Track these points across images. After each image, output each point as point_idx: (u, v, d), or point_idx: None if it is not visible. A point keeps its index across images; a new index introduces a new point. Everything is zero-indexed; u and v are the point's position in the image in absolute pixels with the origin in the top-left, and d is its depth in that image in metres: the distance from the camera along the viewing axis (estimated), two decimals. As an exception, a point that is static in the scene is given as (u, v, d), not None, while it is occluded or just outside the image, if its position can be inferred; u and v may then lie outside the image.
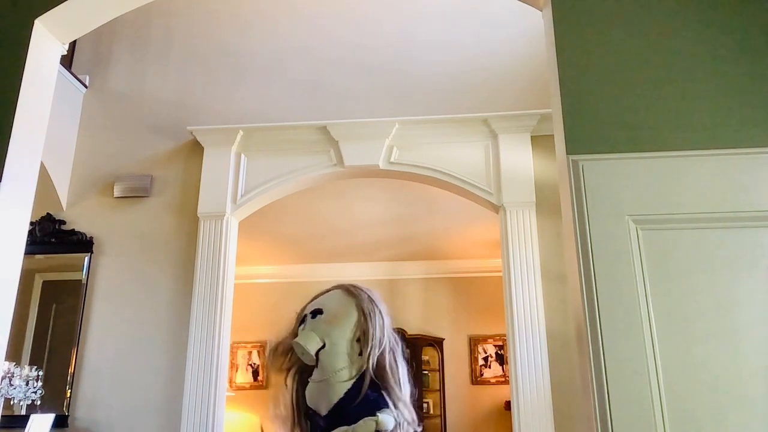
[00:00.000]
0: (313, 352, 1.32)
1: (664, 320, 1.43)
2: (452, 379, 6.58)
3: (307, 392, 1.35)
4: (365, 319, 1.35)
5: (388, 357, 1.37)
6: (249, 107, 4.04)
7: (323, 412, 1.31)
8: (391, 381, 1.36)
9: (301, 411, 1.37)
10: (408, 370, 1.42)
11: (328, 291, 1.44)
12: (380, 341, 1.36)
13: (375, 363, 1.34)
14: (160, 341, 3.59)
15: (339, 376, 1.32)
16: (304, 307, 1.44)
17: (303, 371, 1.40)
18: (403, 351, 1.41)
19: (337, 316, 1.35)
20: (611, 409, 1.37)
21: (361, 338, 1.35)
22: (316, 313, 1.37)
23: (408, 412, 1.34)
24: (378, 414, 1.29)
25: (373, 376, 1.33)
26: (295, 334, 1.39)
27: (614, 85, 1.65)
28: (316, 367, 1.34)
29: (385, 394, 1.34)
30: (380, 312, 1.38)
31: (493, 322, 6.44)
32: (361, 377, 1.32)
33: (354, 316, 1.35)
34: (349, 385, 1.31)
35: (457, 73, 3.98)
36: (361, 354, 1.34)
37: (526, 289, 3.44)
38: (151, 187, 3.90)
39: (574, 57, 1.70)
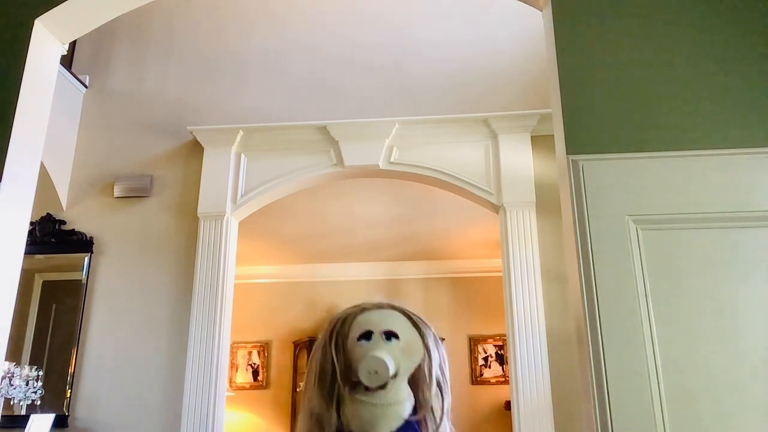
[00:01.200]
0: (390, 375, 1.19)
1: (664, 320, 1.43)
2: (452, 379, 6.53)
3: (350, 409, 1.21)
4: (431, 359, 1.28)
5: (447, 403, 1.32)
6: (249, 107, 4.04)
7: None
8: (439, 422, 1.30)
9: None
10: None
11: (381, 307, 1.31)
12: (449, 388, 1.31)
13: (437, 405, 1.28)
14: (160, 341, 3.59)
15: (402, 408, 1.22)
16: (349, 316, 1.29)
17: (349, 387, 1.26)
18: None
19: (411, 348, 1.26)
20: (611, 409, 1.37)
21: (417, 377, 1.27)
22: (391, 335, 1.24)
23: None
24: None
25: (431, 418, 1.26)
26: (339, 343, 1.27)
27: (614, 84, 1.65)
28: (371, 390, 1.21)
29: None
30: (445, 356, 1.33)
31: (493, 322, 6.44)
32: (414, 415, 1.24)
33: (421, 355, 1.27)
34: (403, 419, 1.22)
35: (457, 73, 3.98)
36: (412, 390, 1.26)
37: (526, 289, 3.44)
38: (151, 187, 3.90)
39: (574, 57, 1.70)
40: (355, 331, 1.25)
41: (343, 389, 1.22)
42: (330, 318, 1.33)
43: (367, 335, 1.24)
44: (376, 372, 1.19)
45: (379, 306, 1.31)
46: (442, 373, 1.31)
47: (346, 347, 1.25)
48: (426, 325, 1.31)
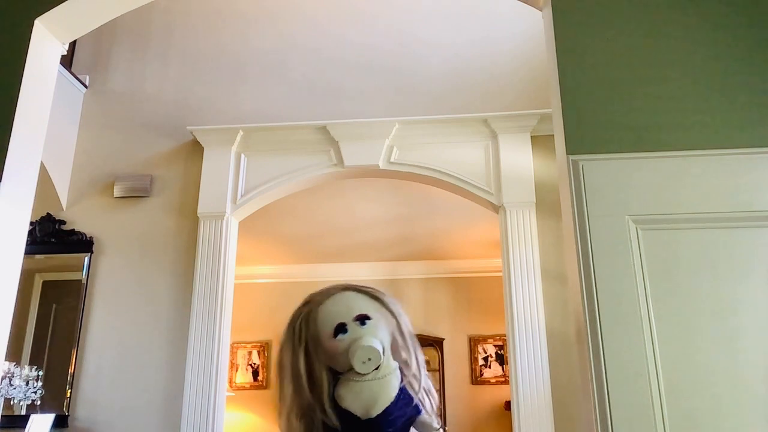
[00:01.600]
0: (382, 359, 1.23)
1: (664, 320, 1.43)
2: (452, 379, 6.57)
3: (348, 391, 1.24)
4: (400, 325, 1.32)
5: (423, 360, 1.36)
6: (249, 107, 4.04)
7: (369, 415, 1.22)
8: (425, 384, 1.33)
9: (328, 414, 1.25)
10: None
11: (332, 293, 1.33)
12: (417, 346, 1.34)
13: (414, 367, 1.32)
14: (160, 341, 3.59)
15: (395, 376, 1.27)
16: (309, 315, 1.30)
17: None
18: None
19: (383, 322, 1.29)
20: (611, 409, 1.37)
21: (393, 343, 1.31)
22: (364, 318, 1.27)
23: (434, 402, 1.32)
24: (436, 425, 1.27)
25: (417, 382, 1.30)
26: (310, 346, 1.28)
27: (614, 85, 1.65)
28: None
29: (413, 392, 1.30)
30: (404, 315, 1.36)
31: (493, 322, 6.43)
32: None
33: (393, 323, 1.31)
34: (397, 384, 1.26)
35: (457, 73, 3.98)
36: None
37: (526, 289, 3.44)
38: (151, 187, 3.90)
39: (573, 57, 1.70)
40: (326, 328, 1.26)
41: (331, 382, 1.25)
42: (288, 324, 1.31)
43: (341, 328, 1.25)
44: (369, 359, 1.22)
45: (330, 293, 1.32)
46: (409, 333, 1.34)
47: (322, 347, 1.26)
48: (381, 293, 1.33)
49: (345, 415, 1.23)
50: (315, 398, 1.24)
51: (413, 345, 1.34)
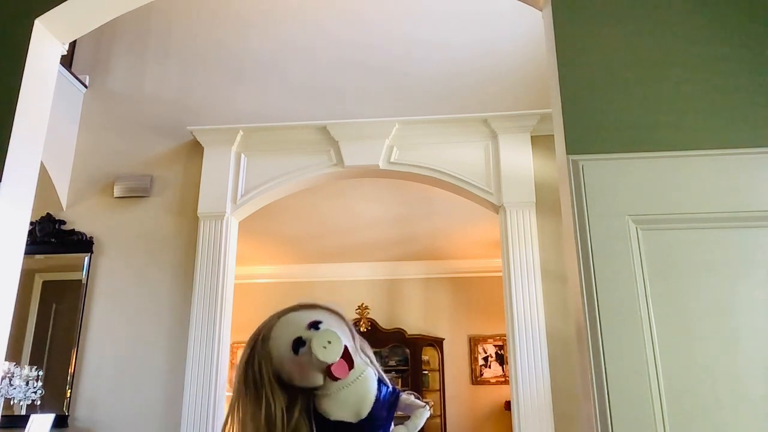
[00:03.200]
0: (343, 345, 1.20)
1: (664, 320, 1.43)
2: (452, 379, 6.58)
3: (332, 402, 1.23)
4: (348, 323, 1.34)
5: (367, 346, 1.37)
6: (249, 107, 4.05)
7: (360, 417, 1.23)
8: (372, 360, 1.35)
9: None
10: None
11: (272, 322, 1.30)
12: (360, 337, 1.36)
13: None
14: (160, 341, 3.59)
15: (370, 372, 1.27)
16: (263, 352, 1.26)
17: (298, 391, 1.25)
18: None
19: (334, 323, 1.29)
20: (611, 409, 1.37)
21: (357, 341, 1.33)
22: (316, 323, 1.25)
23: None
24: (426, 409, 1.29)
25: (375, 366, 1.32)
26: (272, 384, 1.23)
27: (614, 85, 1.65)
28: (327, 380, 1.23)
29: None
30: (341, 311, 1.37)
31: (493, 322, 6.44)
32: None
33: (346, 324, 1.32)
34: (376, 379, 1.27)
35: (457, 73, 3.98)
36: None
37: (526, 289, 3.44)
38: (151, 187, 3.90)
39: (573, 57, 1.69)
40: (284, 353, 1.23)
41: (310, 401, 1.22)
42: (239, 369, 1.28)
43: (299, 342, 1.23)
44: (330, 342, 1.20)
45: (270, 324, 1.30)
46: (351, 324, 1.34)
47: (289, 371, 1.23)
48: (315, 301, 1.33)
49: (337, 427, 1.22)
50: (287, 424, 1.20)
51: (355, 335, 1.34)
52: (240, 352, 1.41)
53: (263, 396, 1.22)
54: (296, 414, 1.22)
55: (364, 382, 1.25)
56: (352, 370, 1.23)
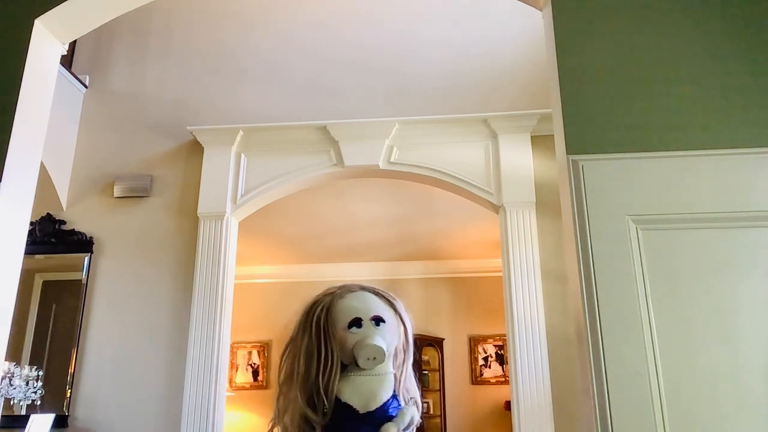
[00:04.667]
0: (383, 361, 1.32)
1: (664, 320, 1.43)
2: (452, 379, 6.58)
3: (348, 384, 1.31)
4: (407, 332, 1.40)
5: (412, 370, 1.44)
6: (249, 107, 4.04)
7: (368, 408, 1.30)
8: (410, 385, 1.42)
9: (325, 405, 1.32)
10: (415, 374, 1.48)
11: (353, 291, 1.39)
12: (412, 353, 1.42)
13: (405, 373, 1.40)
14: (160, 341, 3.59)
15: (392, 376, 1.35)
16: (327, 306, 1.37)
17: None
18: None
19: (394, 327, 1.37)
20: (611, 409, 1.37)
21: (402, 349, 1.40)
22: (379, 320, 1.35)
23: (418, 413, 1.38)
24: (412, 406, 1.34)
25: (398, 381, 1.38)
26: (328, 332, 1.34)
27: (614, 85, 1.65)
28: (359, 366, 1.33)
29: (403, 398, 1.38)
30: (411, 323, 1.43)
31: (493, 322, 6.44)
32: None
33: (401, 330, 1.39)
34: (392, 388, 1.34)
35: (457, 72, 3.98)
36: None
37: (526, 289, 3.44)
38: (151, 187, 3.90)
39: (574, 57, 1.70)
40: (343, 319, 1.34)
41: (336, 372, 1.31)
42: (306, 308, 1.39)
43: (357, 322, 1.33)
44: (374, 358, 1.30)
45: (350, 289, 1.40)
46: (411, 340, 1.42)
47: (335, 335, 1.34)
48: (395, 298, 1.42)
49: (343, 408, 1.29)
50: (323, 377, 1.30)
51: (410, 352, 1.40)
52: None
53: (319, 338, 1.33)
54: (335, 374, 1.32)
55: (382, 381, 1.32)
56: (377, 367, 1.32)
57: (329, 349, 1.32)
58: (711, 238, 1.48)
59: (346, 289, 1.40)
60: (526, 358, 3.33)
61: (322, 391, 1.29)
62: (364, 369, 1.32)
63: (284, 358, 1.38)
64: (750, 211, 1.49)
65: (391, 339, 1.35)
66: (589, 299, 1.46)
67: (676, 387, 1.38)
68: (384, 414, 1.29)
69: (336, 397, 1.31)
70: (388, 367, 1.34)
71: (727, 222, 1.49)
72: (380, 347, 1.30)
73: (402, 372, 1.38)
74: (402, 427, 1.30)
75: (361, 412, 1.29)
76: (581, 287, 1.48)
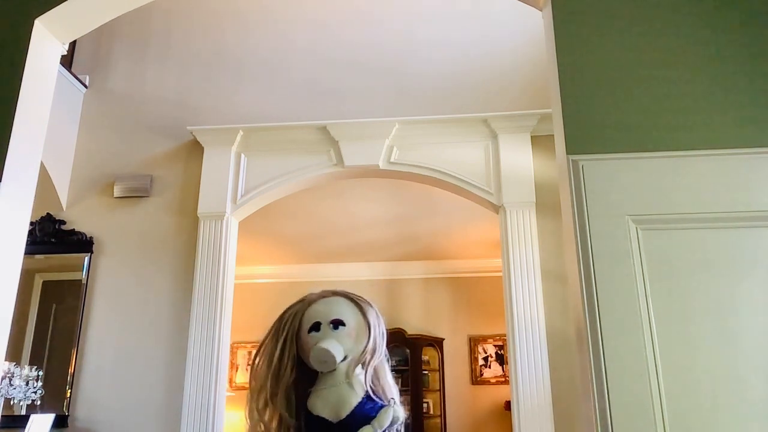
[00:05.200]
0: (338, 362, 1.34)
1: (664, 320, 1.43)
2: (452, 379, 6.57)
3: (317, 398, 1.36)
4: (375, 335, 1.41)
5: (386, 365, 1.45)
6: (249, 107, 4.04)
7: (339, 417, 1.32)
8: (385, 386, 1.43)
9: (294, 419, 1.36)
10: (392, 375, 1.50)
11: (325, 296, 1.44)
12: (381, 353, 1.44)
13: (373, 374, 1.42)
14: (160, 341, 3.59)
15: (360, 380, 1.37)
16: (298, 311, 1.43)
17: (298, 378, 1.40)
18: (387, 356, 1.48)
19: (358, 332, 1.39)
20: (611, 409, 1.37)
21: (367, 351, 1.41)
22: (338, 324, 1.37)
23: (402, 412, 1.40)
24: (393, 405, 1.34)
25: (371, 385, 1.39)
26: (288, 337, 1.40)
27: (614, 85, 1.65)
28: (326, 374, 1.37)
29: (381, 399, 1.39)
30: (383, 326, 1.45)
31: (493, 322, 6.44)
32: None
33: (367, 332, 1.40)
34: (362, 392, 1.36)
35: (457, 72, 3.98)
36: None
37: (526, 289, 3.44)
38: (151, 187, 3.90)
39: (574, 57, 1.70)
40: (307, 323, 1.40)
41: (289, 374, 1.36)
42: (281, 315, 1.45)
43: (316, 326, 1.38)
44: (325, 361, 1.34)
45: (323, 295, 1.44)
46: (378, 343, 1.43)
47: (300, 339, 1.40)
48: (367, 303, 1.45)
49: (317, 422, 1.34)
50: (274, 382, 1.36)
51: (379, 353, 1.42)
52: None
53: (279, 340, 1.40)
54: (292, 397, 1.37)
55: (349, 390, 1.35)
56: (336, 374, 1.35)
57: (285, 353, 1.37)
58: (711, 238, 1.48)
59: (319, 295, 1.45)
60: (526, 358, 3.33)
61: (278, 394, 1.35)
62: (330, 380, 1.35)
63: (255, 361, 1.44)
64: (750, 211, 1.49)
65: (350, 342, 1.37)
66: (589, 299, 1.46)
67: (676, 387, 1.38)
68: (358, 418, 1.31)
69: (308, 412, 1.35)
70: (352, 372, 1.36)
71: (727, 222, 1.49)
72: (328, 350, 1.32)
73: (366, 372, 1.38)
74: (383, 427, 1.30)
75: (334, 422, 1.31)
76: (581, 287, 1.48)
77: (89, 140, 4.08)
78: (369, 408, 1.34)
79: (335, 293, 1.45)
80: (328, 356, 1.33)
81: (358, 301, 1.44)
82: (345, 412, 1.32)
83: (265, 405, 1.37)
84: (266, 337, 1.44)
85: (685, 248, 1.48)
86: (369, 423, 1.31)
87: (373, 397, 1.38)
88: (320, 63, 4.12)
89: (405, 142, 3.78)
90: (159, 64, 4.27)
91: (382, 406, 1.35)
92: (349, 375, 1.36)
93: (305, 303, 1.45)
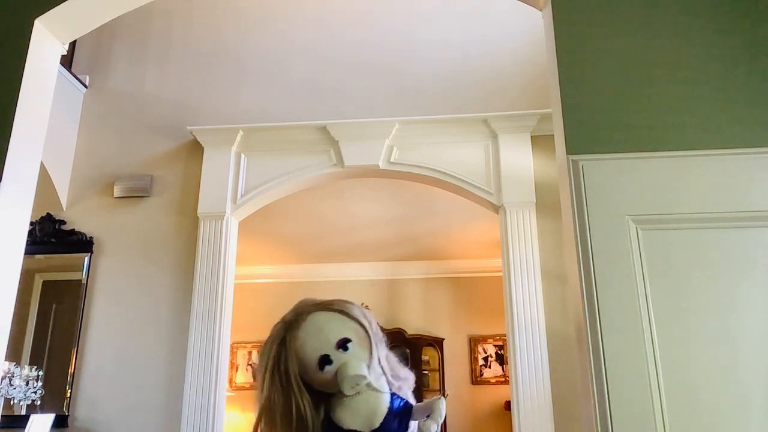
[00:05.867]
0: (369, 378, 1.26)
1: (664, 320, 1.43)
2: (452, 379, 6.57)
3: (345, 411, 1.26)
4: (368, 328, 1.34)
5: (388, 350, 1.39)
6: (249, 107, 4.04)
7: (372, 427, 1.25)
8: (397, 370, 1.37)
9: None
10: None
11: (300, 321, 1.30)
12: (383, 341, 1.38)
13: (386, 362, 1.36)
14: (160, 341, 3.59)
15: (383, 382, 1.31)
16: (287, 350, 1.28)
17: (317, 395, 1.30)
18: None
19: (360, 337, 1.31)
20: (611, 409, 1.37)
21: (374, 344, 1.35)
22: (345, 342, 1.28)
23: (408, 383, 1.37)
24: (442, 398, 1.31)
25: (391, 376, 1.33)
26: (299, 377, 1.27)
27: (614, 85, 1.65)
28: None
29: (398, 388, 1.34)
30: (370, 314, 1.39)
31: (493, 322, 6.44)
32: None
33: (363, 331, 1.33)
34: (389, 392, 1.30)
35: (457, 73, 3.98)
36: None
37: (526, 289, 3.44)
38: (151, 187, 3.90)
39: (574, 57, 1.70)
40: (310, 363, 1.26)
41: (313, 422, 1.25)
42: (262, 362, 1.29)
43: (326, 360, 1.26)
44: (358, 384, 1.25)
45: (298, 324, 1.30)
46: (377, 337, 1.35)
47: (311, 379, 1.27)
48: (348, 306, 1.34)
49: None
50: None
51: (379, 345, 1.35)
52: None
53: (291, 396, 1.25)
54: (322, 414, 1.27)
55: (377, 395, 1.28)
56: (370, 383, 1.27)
57: (302, 403, 1.25)
58: (711, 238, 1.48)
59: (294, 325, 1.30)
60: (526, 358, 3.33)
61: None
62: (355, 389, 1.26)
63: (261, 425, 1.28)
64: (750, 211, 1.49)
65: (362, 353, 1.29)
66: (589, 299, 1.46)
67: (676, 387, 1.38)
68: (390, 423, 1.26)
69: (338, 426, 1.26)
70: (377, 373, 1.30)
71: (727, 222, 1.49)
72: (360, 375, 1.25)
73: (382, 366, 1.31)
74: (441, 422, 1.28)
75: (367, 431, 1.25)
76: (581, 287, 1.48)
77: (89, 140, 4.08)
78: (397, 407, 1.29)
79: (313, 309, 1.32)
80: (361, 379, 1.25)
81: (339, 308, 1.33)
82: (378, 420, 1.26)
83: None
84: (267, 395, 1.27)
85: (685, 248, 1.48)
86: (397, 422, 1.26)
87: (394, 384, 1.32)
88: (320, 63, 4.12)
89: (405, 142, 3.78)
90: (159, 64, 4.27)
91: (404, 401, 1.31)
92: (374, 381, 1.28)
93: (285, 340, 1.29)
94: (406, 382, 1.35)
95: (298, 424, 1.24)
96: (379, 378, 1.30)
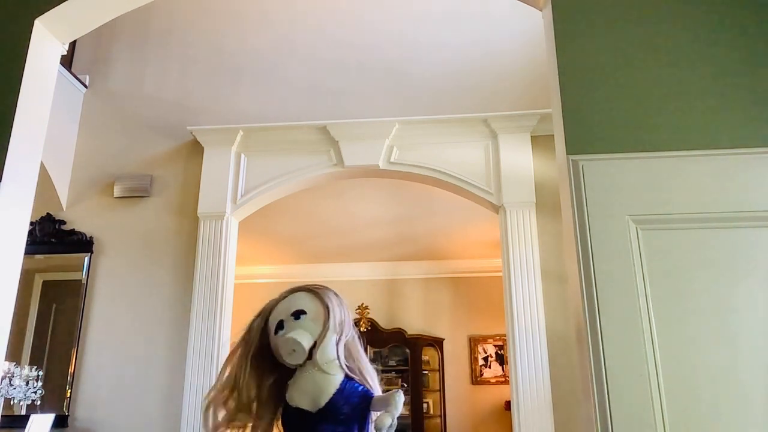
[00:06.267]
0: (307, 349, 1.34)
1: (664, 320, 1.43)
2: (452, 379, 6.58)
3: (293, 389, 1.36)
4: (334, 312, 1.43)
5: (359, 345, 1.48)
6: (249, 107, 4.04)
7: (318, 406, 1.31)
8: (360, 363, 1.44)
9: (269, 413, 1.40)
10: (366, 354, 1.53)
11: (285, 296, 1.46)
12: (349, 332, 1.46)
13: (345, 352, 1.43)
14: (161, 341, 3.59)
15: (332, 367, 1.36)
16: (265, 313, 1.47)
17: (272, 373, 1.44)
18: (360, 338, 1.51)
19: (319, 313, 1.40)
20: (611, 409, 1.37)
21: (329, 327, 1.42)
22: (299, 314, 1.39)
23: (373, 380, 1.44)
24: (400, 391, 1.34)
25: (347, 364, 1.40)
26: (258, 340, 1.44)
27: (614, 85, 1.65)
28: (301, 366, 1.37)
29: (360, 380, 1.40)
30: (345, 305, 1.48)
31: (493, 322, 6.44)
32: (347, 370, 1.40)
33: (325, 313, 1.42)
34: (341, 377, 1.35)
35: (457, 73, 3.98)
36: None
37: (526, 289, 3.44)
38: (151, 187, 3.90)
39: (574, 57, 1.69)
40: (271, 327, 1.43)
41: (247, 372, 1.41)
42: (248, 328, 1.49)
43: (280, 325, 1.40)
44: (294, 350, 1.34)
45: (281, 297, 1.47)
46: (341, 324, 1.45)
47: (273, 346, 1.42)
48: (323, 288, 1.47)
49: (297, 414, 1.33)
50: (242, 380, 1.41)
51: (343, 334, 1.44)
52: None
53: (248, 346, 1.46)
54: (265, 393, 1.41)
55: (325, 376, 1.34)
56: (310, 361, 1.35)
57: (247, 357, 1.42)
58: (711, 238, 1.48)
59: (278, 299, 1.48)
60: (526, 358, 3.33)
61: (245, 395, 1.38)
62: (303, 370, 1.35)
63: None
64: (750, 211, 1.49)
65: (316, 328, 1.38)
66: (589, 299, 1.46)
67: (676, 387, 1.38)
68: (338, 404, 1.31)
69: (287, 403, 1.35)
70: (327, 355, 1.36)
71: (727, 222, 1.49)
72: (294, 339, 1.33)
73: (337, 350, 1.40)
74: (399, 411, 1.30)
75: (313, 412, 1.31)
76: (581, 287, 1.48)
77: (89, 140, 4.08)
78: (350, 391, 1.34)
79: (291, 290, 1.47)
80: (296, 344, 1.33)
81: (314, 289, 1.46)
82: (324, 400, 1.32)
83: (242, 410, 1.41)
84: (236, 347, 1.48)
85: (685, 248, 1.48)
86: (348, 406, 1.31)
87: (351, 375, 1.38)
88: (320, 63, 4.12)
89: (405, 142, 3.78)
90: (159, 64, 4.27)
91: (363, 388, 1.36)
92: (325, 358, 1.36)
93: (266, 311, 1.48)
94: (367, 375, 1.42)
95: (239, 360, 1.43)
96: (330, 361, 1.36)
